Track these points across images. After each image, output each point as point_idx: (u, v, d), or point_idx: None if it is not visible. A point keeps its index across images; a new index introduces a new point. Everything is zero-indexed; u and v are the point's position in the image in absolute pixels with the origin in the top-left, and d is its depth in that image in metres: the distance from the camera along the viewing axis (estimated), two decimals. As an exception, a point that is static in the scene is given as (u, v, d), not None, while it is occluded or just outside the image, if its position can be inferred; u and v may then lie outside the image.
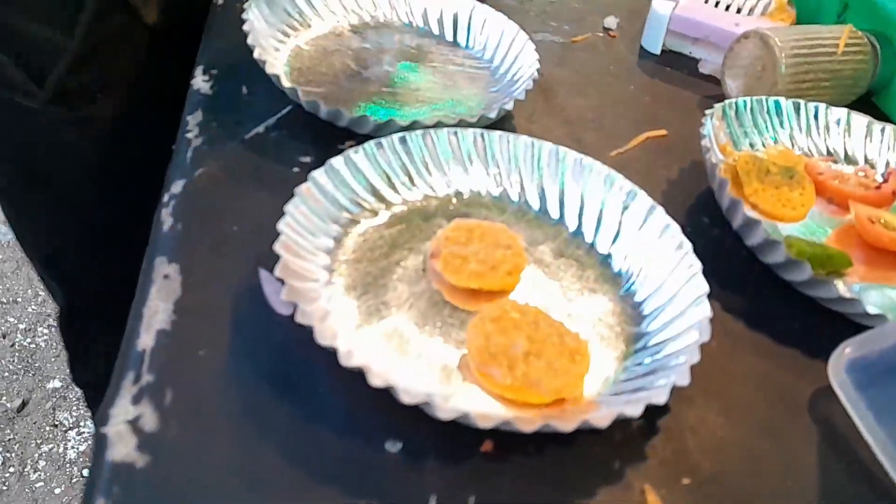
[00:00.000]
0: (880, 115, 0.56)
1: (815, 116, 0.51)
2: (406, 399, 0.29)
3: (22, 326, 1.44)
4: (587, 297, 0.38)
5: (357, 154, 0.41)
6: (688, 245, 0.37)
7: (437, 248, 0.38)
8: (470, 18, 0.57)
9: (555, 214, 0.42)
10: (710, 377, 0.35)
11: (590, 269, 0.40)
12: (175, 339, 0.33)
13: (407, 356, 0.34)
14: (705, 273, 0.36)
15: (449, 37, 0.58)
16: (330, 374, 0.32)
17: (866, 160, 0.51)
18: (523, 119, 0.52)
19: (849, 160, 0.51)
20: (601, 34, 0.64)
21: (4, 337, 1.42)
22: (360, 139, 0.45)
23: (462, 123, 0.45)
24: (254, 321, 0.34)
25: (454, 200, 0.43)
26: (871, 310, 0.36)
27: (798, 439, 0.34)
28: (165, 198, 0.40)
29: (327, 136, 0.45)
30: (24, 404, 1.32)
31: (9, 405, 1.31)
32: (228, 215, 0.40)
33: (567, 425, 0.29)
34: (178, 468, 0.29)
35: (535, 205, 0.43)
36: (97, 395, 0.83)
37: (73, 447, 1.26)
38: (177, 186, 0.41)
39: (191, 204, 0.40)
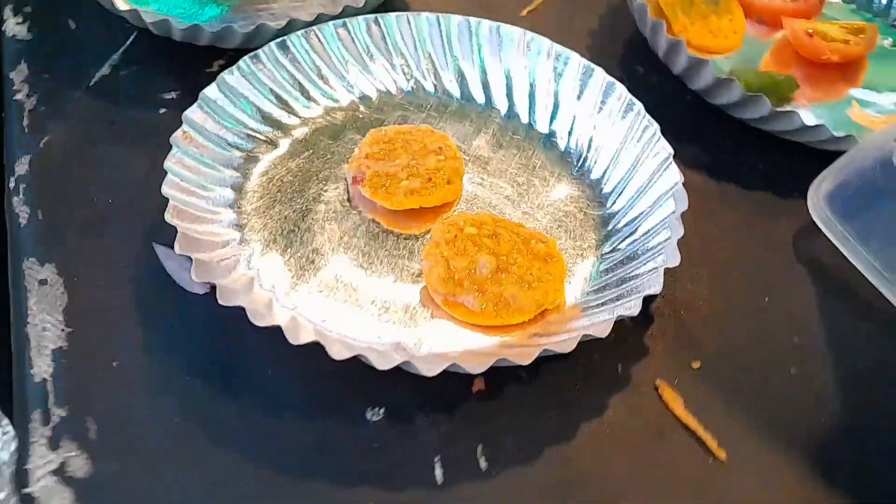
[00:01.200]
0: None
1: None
2: (382, 365, 0.25)
3: None
4: (539, 187, 0.34)
5: (232, 76, 0.33)
6: (638, 104, 0.33)
7: (357, 170, 0.32)
8: None
9: (480, 99, 0.37)
10: (689, 245, 0.32)
11: (535, 154, 0.35)
12: (77, 356, 0.27)
13: (360, 307, 0.29)
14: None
15: None
16: (275, 351, 0.27)
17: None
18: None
19: (768, -30, 0.47)
20: None
21: None
22: (231, 56, 0.37)
23: (348, 11, 0.37)
24: (166, 310, 0.28)
25: (362, 108, 0.36)
26: (838, 133, 0.34)
27: (793, 289, 0.31)
28: (11, 183, 0.32)
29: (189, 61, 0.37)
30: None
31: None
32: (97, 187, 0.32)
33: (566, 345, 0.25)
34: (128, 510, 0.24)
35: (456, 93, 0.37)
36: None
37: None
38: (21, 166, 0.33)
39: (46, 183, 0.32)
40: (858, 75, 0.42)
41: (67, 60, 0.37)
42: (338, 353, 0.25)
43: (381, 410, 0.26)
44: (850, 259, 0.31)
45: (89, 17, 0.39)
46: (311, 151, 0.34)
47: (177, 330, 0.28)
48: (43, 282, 0.29)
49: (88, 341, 0.27)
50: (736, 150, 0.37)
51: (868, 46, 0.41)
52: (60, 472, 0.24)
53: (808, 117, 0.37)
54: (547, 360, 0.28)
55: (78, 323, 0.28)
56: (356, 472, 0.25)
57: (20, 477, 0.24)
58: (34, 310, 0.28)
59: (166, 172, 0.29)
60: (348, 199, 0.33)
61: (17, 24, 0.39)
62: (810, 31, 0.41)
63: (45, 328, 0.27)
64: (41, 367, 0.27)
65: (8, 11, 0.40)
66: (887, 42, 0.44)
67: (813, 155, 0.35)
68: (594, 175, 0.34)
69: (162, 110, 0.36)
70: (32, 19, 0.40)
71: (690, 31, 0.42)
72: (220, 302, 0.25)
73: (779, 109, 0.34)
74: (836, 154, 0.33)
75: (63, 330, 0.28)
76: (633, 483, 0.25)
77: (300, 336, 0.25)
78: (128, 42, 0.38)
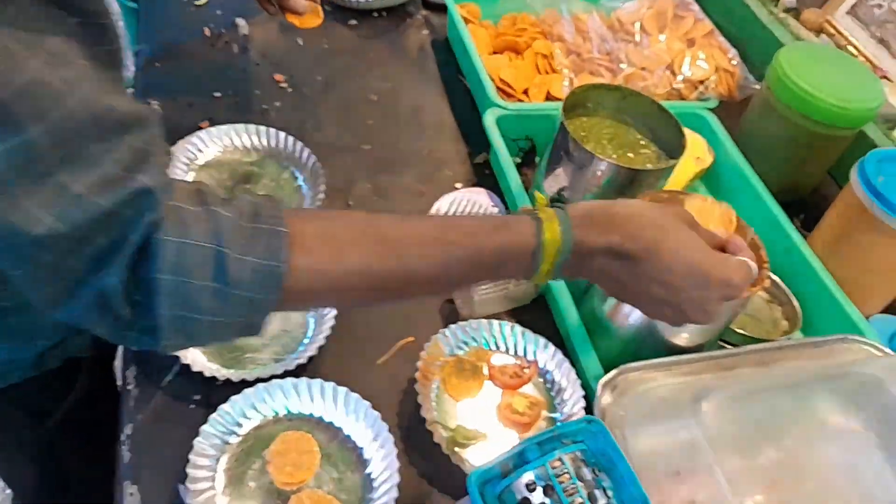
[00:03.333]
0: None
1: (500, 329, 0.90)
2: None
3: None
4: (351, 476, 0.76)
5: (225, 406, 0.76)
6: (394, 451, 0.76)
7: (270, 457, 0.75)
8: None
9: (338, 424, 0.80)
10: (405, 516, 0.74)
11: (352, 460, 0.77)
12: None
13: (254, 527, 0.71)
14: (413, 446, 0.75)
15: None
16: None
17: (524, 354, 0.90)
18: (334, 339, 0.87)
19: (516, 355, 0.90)
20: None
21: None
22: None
23: (287, 374, 0.80)
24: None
25: (283, 418, 0.79)
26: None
27: None
28: (122, 437, 0.75)
29: (210, 381, 0.80)
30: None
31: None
32: (169, 446, 0.75)
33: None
34: None
35: (328, 419, 0.80)
36: None
37: None
38: (128, 428, 0.76)
39: (139, 440, 0.75)
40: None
41: (155, 365, 0.81)
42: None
43: (251, 575, 0.68)
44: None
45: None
46: (252, 441, 0.77)
47: (180, 523, 0.70)
48: (131, 494, 0.71)
49: (145, 524, 0.70)
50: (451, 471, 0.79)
51: (535, 417, 0.84)
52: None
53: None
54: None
55: (142, 515, 0.70)
56: None
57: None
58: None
59: (193, 445, 0.72)
60: (265, 470, 0.75)
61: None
62: (507, 405, 0.83)
63: (129, 516, 0.70)
64: (126, 533, 0.69)
65: None
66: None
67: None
68: (373, 475, 0.76)
69: (192, 406, 0.78)
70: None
71: (455, 388, 0.84)
72: (199, 524, 0.68)
73: (458, 459, 0.77)
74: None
75: (136, 517, 0.70)
76: None
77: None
78: (175, 369, 0.81)
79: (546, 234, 0.60)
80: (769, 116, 1.13)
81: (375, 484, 0.75)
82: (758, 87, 1.22)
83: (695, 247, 0.62)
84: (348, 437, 0.79)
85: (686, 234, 0.63)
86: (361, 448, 0.78)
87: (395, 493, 0.72)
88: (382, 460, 0.76)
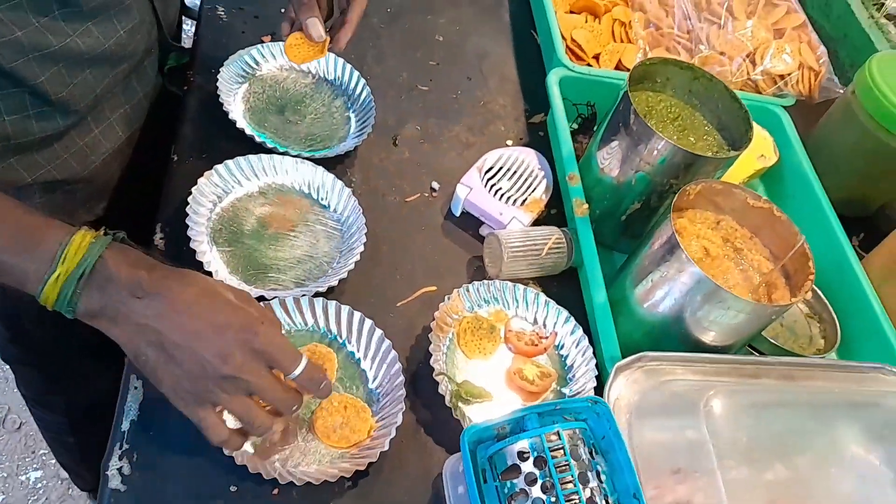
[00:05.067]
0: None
1: (524, 295, 0.88)
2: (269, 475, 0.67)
3: None
4: (357, 390, 0.76)
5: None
6: (402, 393, 0.75)
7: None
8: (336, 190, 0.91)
9: (357, 356, 0.79)
10: (394, 462, 0.74)
11: (358, 376, 0.77)
12: (142, 426, 0.70)
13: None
14: (417, 393, 0.74)
15: (323, 202, 0.91)
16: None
17: (543, 324, 0.88)
18: (358, 274, 0.86)
19: (535, 322, 0.88)
20: (427, 194, 0.98)
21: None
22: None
23: (317, 294, 0.80)
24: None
25: (297, 333, 0.79)
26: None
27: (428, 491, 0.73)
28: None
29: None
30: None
31: None
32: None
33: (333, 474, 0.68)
34: (137, 491, 0.67)
35: (346, 344, 0.80)
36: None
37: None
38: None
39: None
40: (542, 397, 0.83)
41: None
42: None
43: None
44: (446, 491, 0.72)
45: (194, 248, 0.83)
46: (264, 353, 0.77)
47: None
48: (136, 388, 0.72)
49: (149, 417, 0.71)
50: (442, 418, 0.78)
51: (544, 388, 0.82)
52: (120, 469, 0.67)
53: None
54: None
55: (145, 405, 0.71)
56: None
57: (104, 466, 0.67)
58: (129, 399, 0.71)
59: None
60: (268, 386, 0.75)
61: (160, 238, 0.83)
62: (517, 371, 0.82)
63: (131, 408, 0.71)
64: (125, 425, 0.70)
65: (158, 228, 0.84)
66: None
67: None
68: (376, 392, 0.76)
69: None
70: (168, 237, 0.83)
71: (468, 346, 0.83)
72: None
73: (459, 412, 0.76)
74: (477, 443, 0.74)
75: (137, 412, 0.71)
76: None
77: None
78: (206, 270, 0.82)
79: (76, 237, 0.59)
80: (849, 124, 1.07)
81: (376, 421, 0.75)
82: (842, 91, 1.15)
83: (227, 300, 0.63)
84: (364, 371, 0.79)
85: (225, 299, 0.63)
86: (370, 379, 0.78)
87: (392, 434, 0.72)
88: (388, 395, 0.76)
